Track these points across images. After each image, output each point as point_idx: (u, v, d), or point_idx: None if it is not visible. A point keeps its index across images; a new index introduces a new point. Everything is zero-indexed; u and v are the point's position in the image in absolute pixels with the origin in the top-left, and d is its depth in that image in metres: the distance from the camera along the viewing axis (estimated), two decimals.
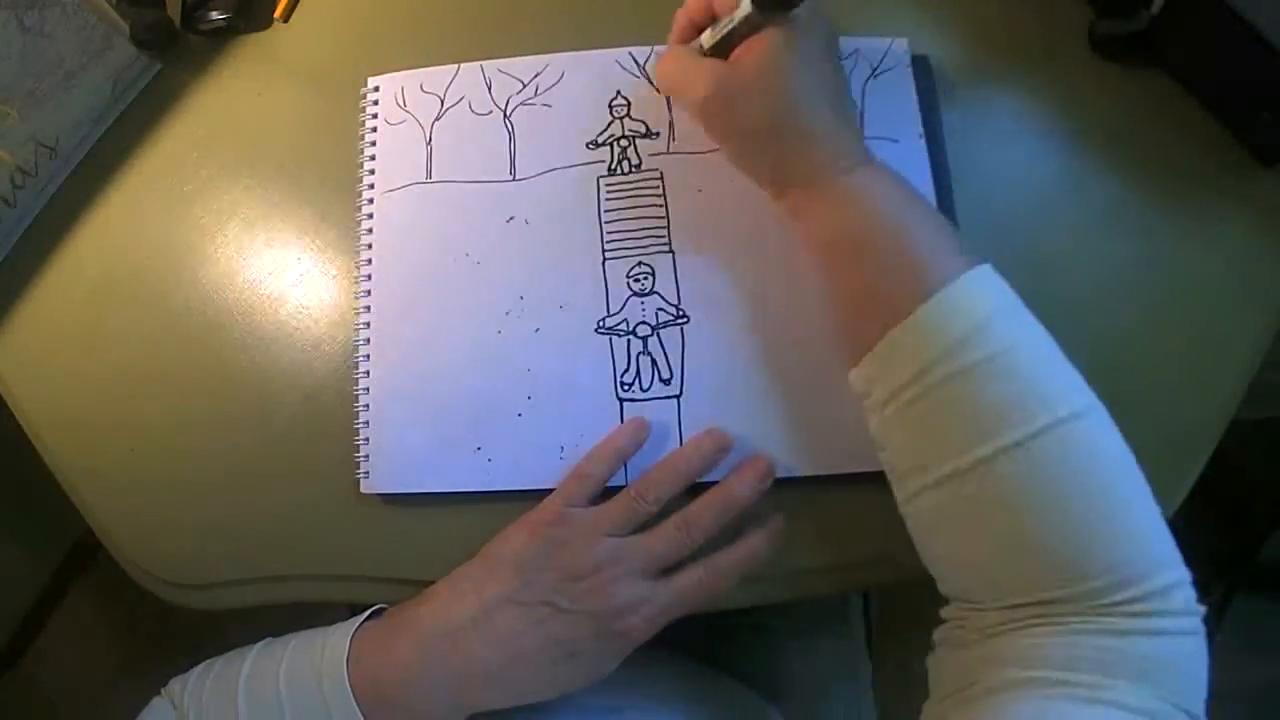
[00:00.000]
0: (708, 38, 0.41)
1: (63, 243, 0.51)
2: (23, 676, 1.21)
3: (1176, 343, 0.45)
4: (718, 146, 0.42)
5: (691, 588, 0.40)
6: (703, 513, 0.41)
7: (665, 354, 0.45)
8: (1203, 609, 0.33)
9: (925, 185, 0.46)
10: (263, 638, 0.43)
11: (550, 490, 0.43)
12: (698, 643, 0.64)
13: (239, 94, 0.53)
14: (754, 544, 0.41)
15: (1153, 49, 0.47)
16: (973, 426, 0.33)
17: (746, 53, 0.38)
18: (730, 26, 0.39)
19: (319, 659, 0.39)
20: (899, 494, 0.38)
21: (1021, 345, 0.33)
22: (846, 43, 0.47)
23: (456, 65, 0.49)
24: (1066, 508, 0.32)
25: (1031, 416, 0.32)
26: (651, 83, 0.48)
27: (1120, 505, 0.32)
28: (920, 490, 0.35)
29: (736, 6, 0.38)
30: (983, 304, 0.34)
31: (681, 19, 0.42)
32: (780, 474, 0.43)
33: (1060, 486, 0.32)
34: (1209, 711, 0.31)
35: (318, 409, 0.47)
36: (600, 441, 0.43)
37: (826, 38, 0.39)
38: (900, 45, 0.47)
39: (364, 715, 0.37)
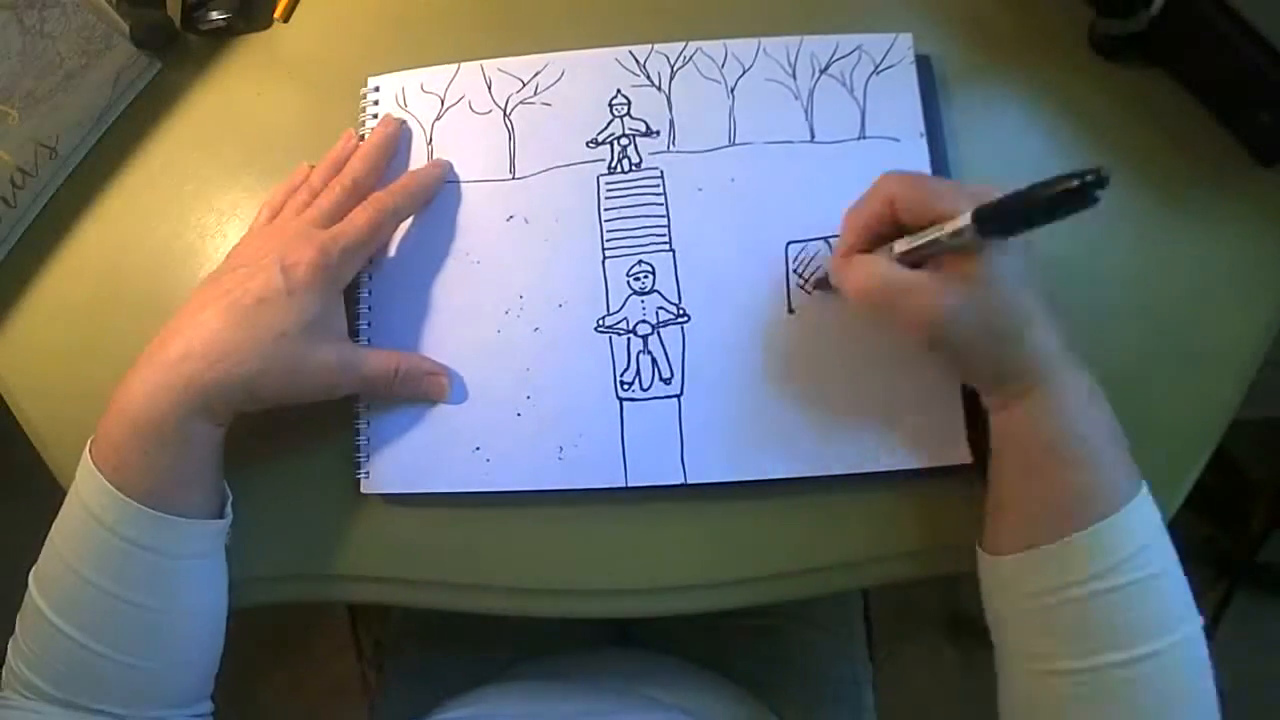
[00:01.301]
0: (903, 245, 0.38)
1: (63, 243, 0.51)
2: None
3: (1176, 342, 0.45)
4: (929, 347, 0.40)
5: (358, 215, 0.43)
6: (356, 160, 0.46)
7: (665, 353, 0.45)
8: None
9: None
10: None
11: (550, 490, 0.44)
12: (698, 644, 0.64)
13: (239, 94, 0.53)
14: (422, 170, 0.46)
15: (1153, 49, 0.47)
16: (1114, 635, 0.36)
17: (958, 263, 0.37)
18: (935, 239, 0.36)
19: (71, 491, 0.41)
20: (1007, 666, 0.39)
21: (1169, 569, 0.37)
22: (849, 39, 0.47)
23: (456, 65, 0.49)
24: (1176, 715, 0.36)
25: (1166, 632, 0.36)
26: (652, 82, 0.48)
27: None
28: (1036, 674, 0.38)
29: (939, 220, 0.36)
30: (1146, 528, 0.37)
31: (858, 226, 0.40)
32: (780, 474, 0.43)
33: (1179, 692, 0.36)
34: None
35: (318, 409, 0.47)
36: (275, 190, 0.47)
37: (1030, 249, 0.38)
38: (904, 41, 0.47)
39: (110, 479, 0.38)
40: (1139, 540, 0.36)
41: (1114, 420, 0.38)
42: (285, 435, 0.47)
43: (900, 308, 0.38)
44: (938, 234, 0.36)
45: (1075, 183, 0.30)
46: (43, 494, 0.45)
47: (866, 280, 0.39)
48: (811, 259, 0.45)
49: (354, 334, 0.47)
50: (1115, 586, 0.35)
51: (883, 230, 0.39)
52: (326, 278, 0.41)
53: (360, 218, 0.43)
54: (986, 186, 0.36)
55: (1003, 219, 0.34)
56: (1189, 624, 0.36)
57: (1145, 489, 0.37)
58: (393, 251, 0.48)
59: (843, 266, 0.40)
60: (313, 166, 0.48)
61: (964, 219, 0.34)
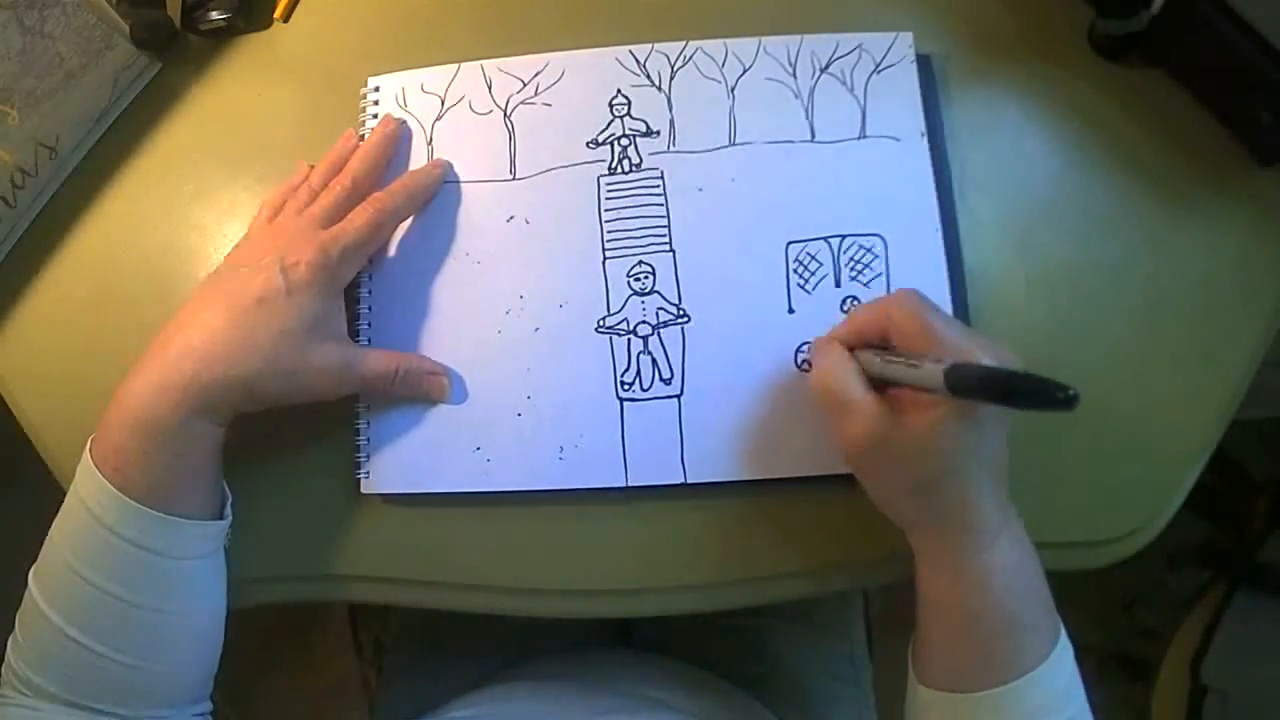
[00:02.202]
0: (878, 366, 0.37)
1: (63, 243, 0.51)
2: None
3: (1176, 342, 0.45)
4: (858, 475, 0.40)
5: (357, 216, 0.44)
6: (357, 160, 0.46)
7: (666, 353, 0.45)
8: None
9: (926, 184, 0.46)
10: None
11: (550, 490, 0.44)
12: (697, 644, 0.64)
13: (239, 94, 0.53)
14: (421, 170, 0.47)
15: (1153, 49, 0.47)
16: None
17: (918, 409, 0.36)
18: (902, 374, 0.36)
19: (71, 490, 0.41)
20: None
21: (1081, 714, 0.38)
22: (850, 38, 0.47)
23: (456, 65, 0.49)
24: None
25: None
26: (652, 82, 0.48)
27: None
28: None
29: (920, 358, 0.35)
30: (1060, 680, 0.38)
31: (852, 323, 0.40)
32: (780, 474, 0.43)
33: None
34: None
35: (318, 409, 0.47)
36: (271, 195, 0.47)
37: (1002, 415, 0.37)
38: (905, 40, 0.47)
39: (110, 479, 0.38)
40: (1053, 694, 0.37)
41: (1038, 574, 0.38)
42: (285, 435, 0.47)
43: (831, 418, 0.38)
44: (907, 373, 0.35)
45: (1060, 395, 0.30)
46: (43, 493, 0.45)
47: (821, 375, 0.39)
48: (815, 268, 0.45)
49: (354, 334, 0.47)
50: None
51: (871, 338, 0.39)
52: (326, 277, 0.42)
53: (360, 218, 0.43)
54: (983, 341, 0.35)
55: (974, 391, 0.33)
56: None
57: (1063, 638, 0.38)
58: (393, 251, 0.48)
59: (819, 351, 0.40)
60: (312, 166, 0.48)
61: (939, 371, 0.33)
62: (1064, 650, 0.38)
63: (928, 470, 0.36)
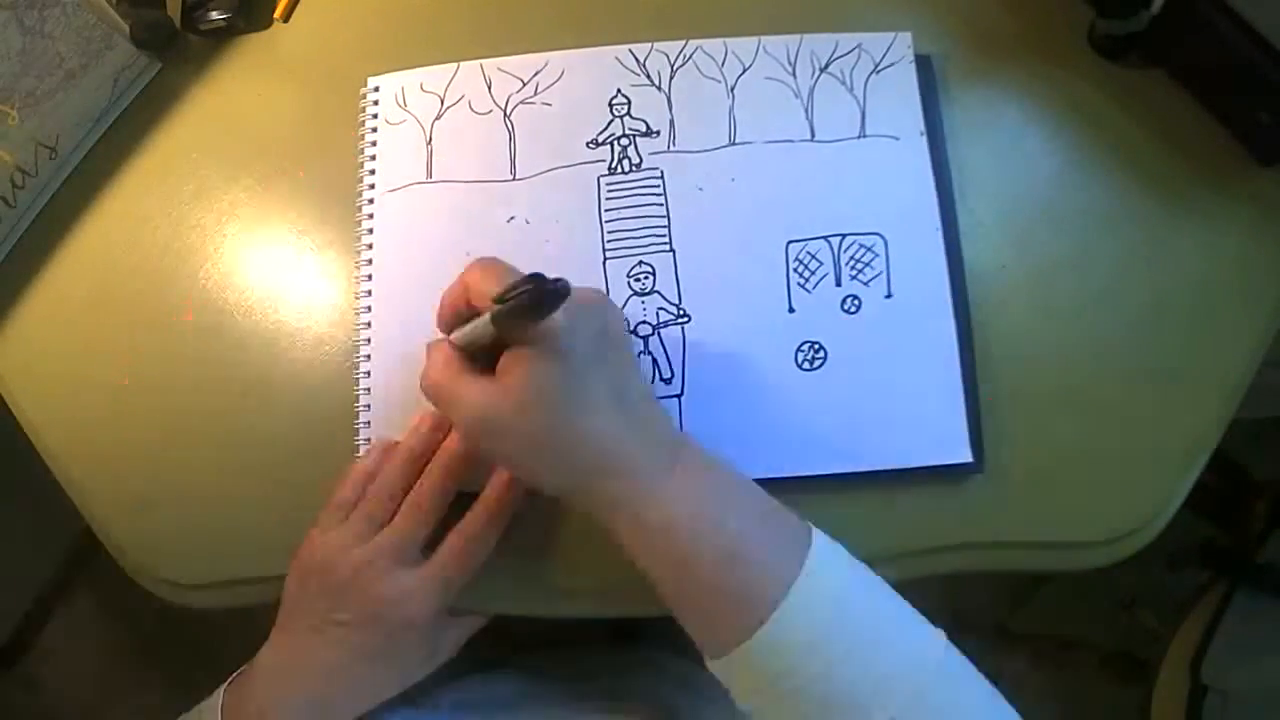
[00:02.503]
0: (459, 337, 0.37)
1: (63, 243, 0.51)
2: (23, 676, 1.21)
3: (1177, 343, 0.45)
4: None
5: (451, 554, 0.42)
6: (424, 483, 0.42)
7: (666, 353, 0.45)
8: None
9: (926, 184, 0.46)
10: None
11: None
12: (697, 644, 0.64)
13: (239, 94, 0.53)
14: (495, 490, 0.42)
15: (1153, 49, 0.47)
16: (846, 713, 0.33)
17: (506, 370, 0.35)
18: (474, 334, 0.35)
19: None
20: None
21: (859, 640, 0.33)
22: (849, 37, 0.47)
23: (456, 64, 0.49)
24: None
25: (892, 691, 0.32)
26: (652, 81, 0.48)
27: None
28: None
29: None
30: (820, 610, 0.34)
31: (445, 305, 0.39)
32: (780, 474, 0.43)
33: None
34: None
35: (318, 409, 0.47)
36: (353, 465, 0.44)
37: (598, 334, 0.36)
38: (904, 39, 0.47)
39: None
40: (816, 630, 0.33)
41: (745, 504, 0.35)
42: (285, 435, 0.47)
43: (450, 408, 0.36)
44: (476, 328, 0.35)
45: (551, 285, 0.31)
46: (42, 494, 0.45)
47: (424, 379, 0.37)
48: None
49: (354, 333, 0.47)
50: (798, 686, 0.33)
51: (464, 310, 0.38)
52: (440, 606, 0.42)
53: (460, 548, 0.42)
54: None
55: (512, 314, 0.33)
56: (918, 670, 0.33)
57: (815, 554, 0.34)
58: (393, 251, 0.48)
59: (429, 352, 0.38)
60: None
61: (488, 313, 0.33)
62: (808, 586, 0.33)
63: (536, 423, 0.34)
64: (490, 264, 0.37)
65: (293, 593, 0.42)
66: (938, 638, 0.35)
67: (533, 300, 0.32)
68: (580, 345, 0.35)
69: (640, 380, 0.37)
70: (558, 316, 0.33)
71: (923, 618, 0.36)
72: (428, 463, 0.43)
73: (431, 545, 0.42)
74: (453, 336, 0.38)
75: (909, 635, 0.35)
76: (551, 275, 0.46)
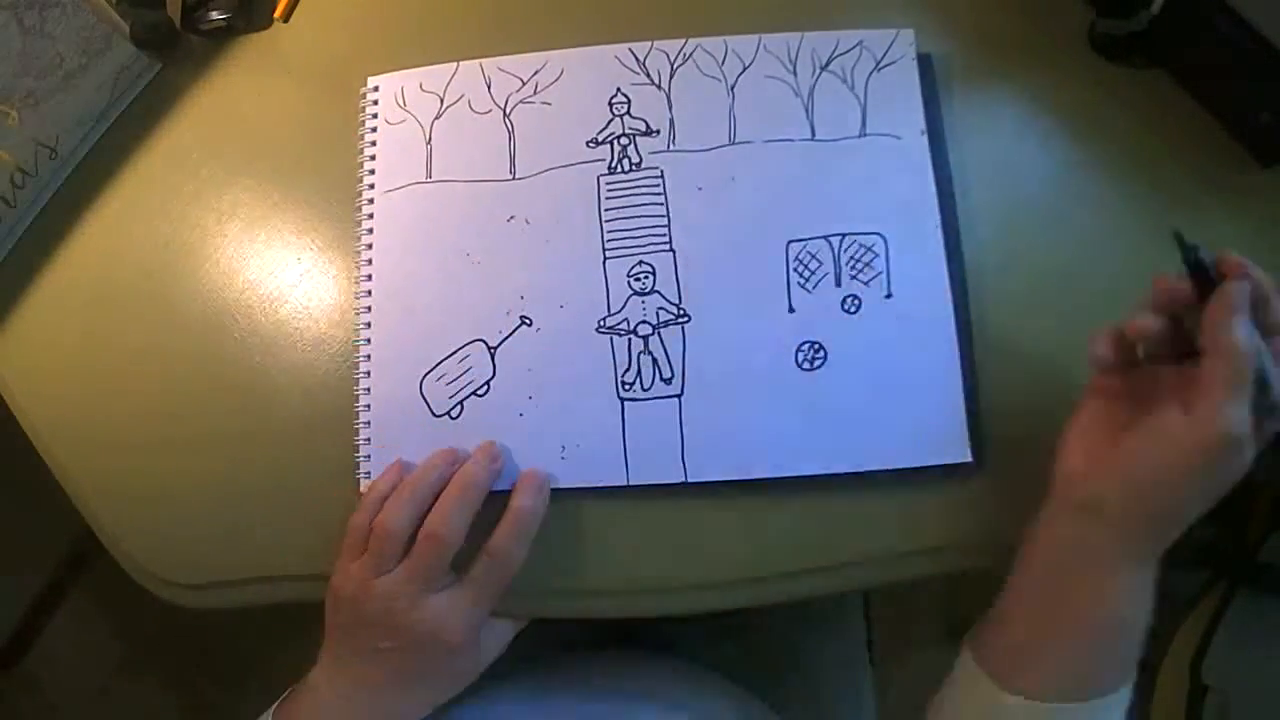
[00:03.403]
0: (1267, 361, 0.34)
1: (63, 243, 0.51)
2: (23, 676, 1.21)
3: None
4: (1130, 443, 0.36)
5: (483, 574, 0.42)
6: (441, 509, 0.42)
7: (666, 353, 0.45)
8: None
9: (926, 182, 0.46)
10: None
11: (552, 489, 0.44)
12: (697, 644, 0.64)
13: (239, 94, 0.53)
14: (519, 505, 0.42)
15: (1153, 49, 0.47)
16: None
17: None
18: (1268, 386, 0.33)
19: None
20: None
21: None
22: (850, 35, 0.47)
23: (456, 64, 0.49)
24: None
25: None
26: (651, 80, 0.48)
27: None
28: None
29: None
30: (1120, 712, 0.38)
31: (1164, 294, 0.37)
32: (780, 474, 0.43)
33: None
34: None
35: (318, 409, 0.47)
36: (366, 490, 0.45)
37: None
38: (906, 37, 0.47)
39: None
40: (1123, 710, 0.37)
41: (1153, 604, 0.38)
42: (285, 435, 0.47)
43: (1236, 397, 0.33)
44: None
45: None
46: (42, 493, 0.45)
47: (1248, 353, 0.33)
48: None
49: (355, 333, 0.47)
50: None
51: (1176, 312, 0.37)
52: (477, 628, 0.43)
53: (489, 566, 0.42)
54: None
55: None
56: None
57: (1133, 679, 0.38)
58: (393, 251, 0.48)
59: (1243, 316, 0.34)
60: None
61: None
62: (1131, 684, 0.38)
63: (1223, 482, 0.34)
64: None
65: (332, 621, 0.43)
66: None
67: None
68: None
69: None
70: None
71: None
72: (441, 490, 0.43)
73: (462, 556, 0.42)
74: (1263, 363, 0.34)
75: None
76: (550, 275, 0.46)
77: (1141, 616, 0.37)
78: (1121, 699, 0.37)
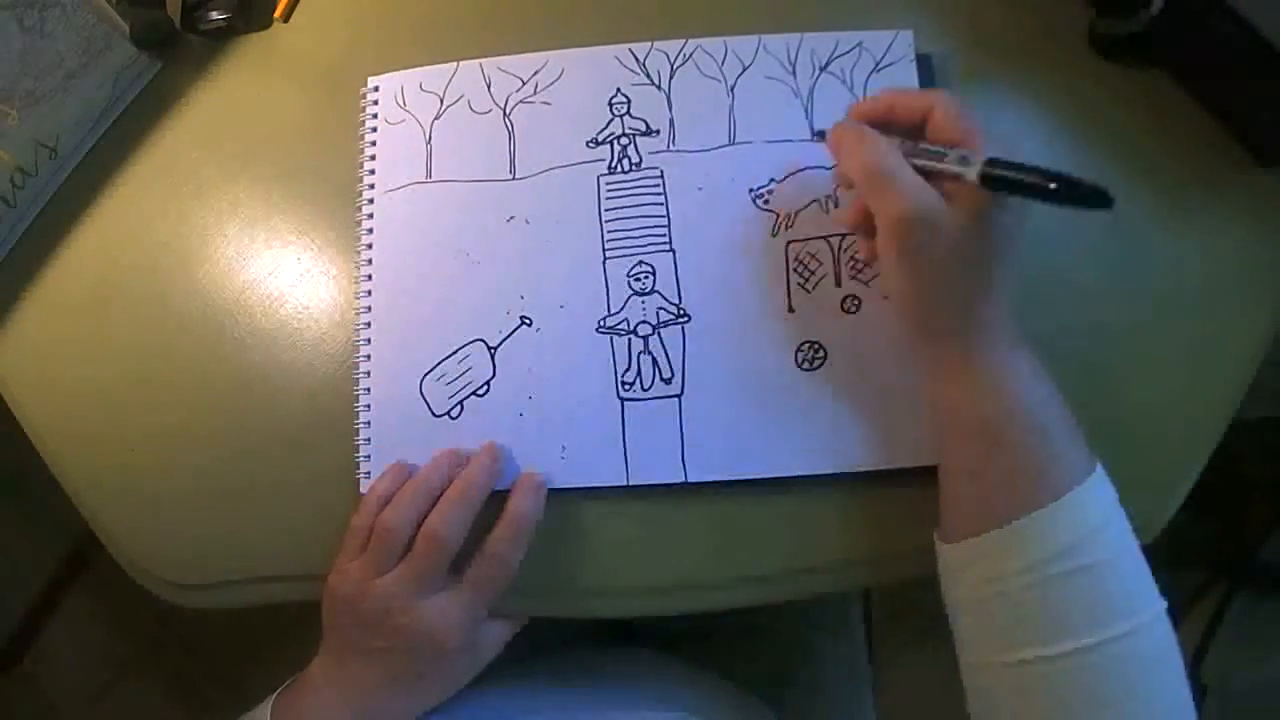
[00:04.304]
0: (912, 152, 0.37)
1: (63, 243, 0.51)
2: (23, 676, 1.21)
3: (1177, 343, 0.45)
4: (881, 264, 0.39)
5: (479, 576, 0.42)
6: (441, 510, 0.42)
7: (666, 353, 0.45)
8: None
9: None
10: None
11: (552, 489, 0.44)
12: (697, 644, 0.64)
13: (239, 94, 0.53)
14: (516, 508, 0.43)
15: (1153, 49, 0.47)
16: (1070, 621, 0.35)
17: (963, 194, 0.36)
18: (944, 154, 0.36)
19: None
20: (966, 656, 0.39)
21: (1124, 553, 0.36)
22: (850, 35, 0.47)
23: (455, 64, 0.49)
24: (1141, 702, 0.35)
25: (1125, 616, 0.35)
26: (651, 80, 0.48)
27: (1182, 703, 0.35)
28: (996, 665, 0.37)
29: (954, 146, 0.36)
30: (1099, 510, 0.36)
31: (883, 102, 0.39)
32: (780, 473, 0.43)
33: (1142, 676, 0.35)
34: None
35: (318, 409, 0.47)
36: (366, 491, 0.45)
37: (1024, 222, 0.38)
38: (905, 38, 0.47)
39: None
40: (1092, 522, 0.36)
41: (1061, 400, 0.37)
42: (285, 435, 0.47)
43: (890, 194, 0.36)
44: (949, 152, 0.36)
45: (1095, 191, 0.32)
46: (42, 494, 0.45)
47: (872, 156, 0.37)
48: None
49: (355, 333, 0.47)
50: (1069, 571, 0.35)
51: (898, 123, 0.39)
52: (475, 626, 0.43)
53: (485, 568, 0.42)
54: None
55: (1012, 183, 0.34)
56: (1149, 608, 0.35)
57: (1099, 469, 0.37)
58: (393, 252, 0.48)
59: (853, 135, 0.38)
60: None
61: (977, 162, 0.35)
62: (1099, 483, 0.36)
63: (969, 247, 0.36)
64: (965, 110, 0.37)
65: (328, 620, 0.43)
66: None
67: (1065, 192, 0.33)
68: (1018, 226, 0.37)
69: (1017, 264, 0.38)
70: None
71: None
72: (443, 492, 0.43)
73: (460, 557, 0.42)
74: (908, 152, 0.37)
75: (1148, 570, 0.37)
76: (550, 275, 0.46)
77: (1027, 409, 0.36)
78: (1080, 498, 0.36)
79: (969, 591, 0.38)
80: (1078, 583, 0.35)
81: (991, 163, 0.34)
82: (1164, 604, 0.36)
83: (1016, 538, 0.36)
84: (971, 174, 0.35)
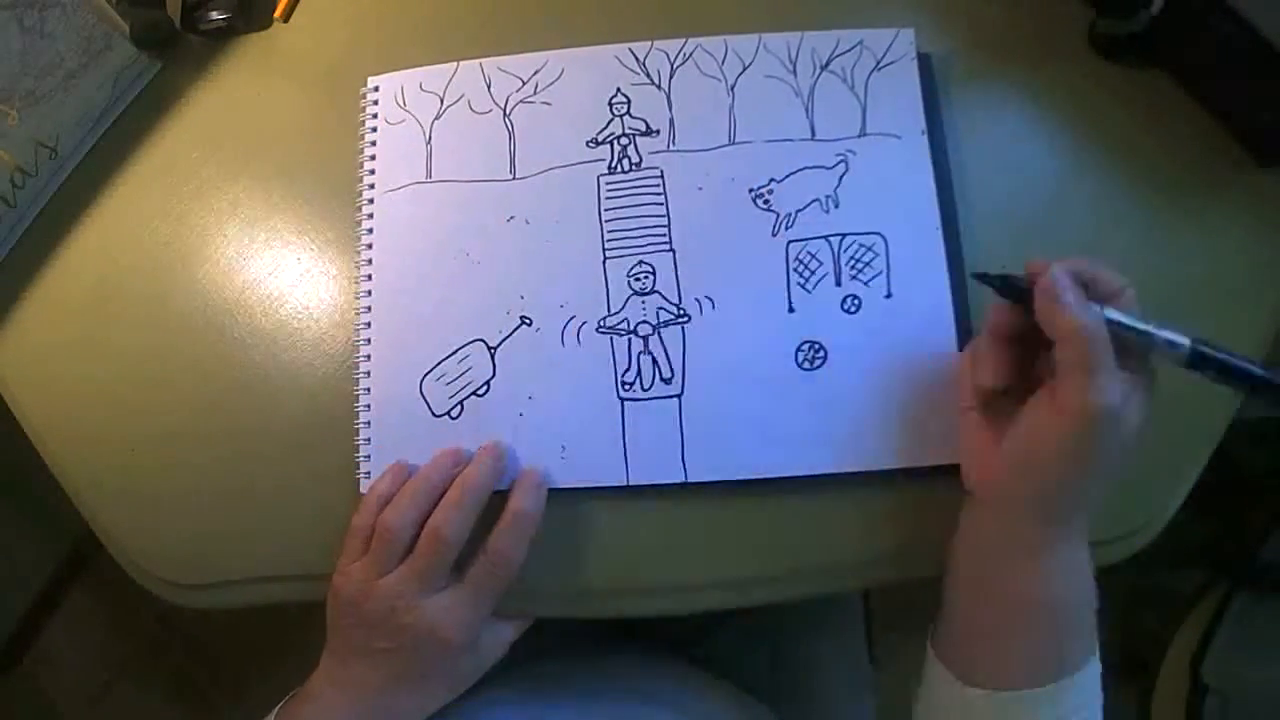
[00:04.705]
0: (1118, 316, 0.36)
1: (63, 243, 0.51)
2: (23, 676, 1.21)
3: None
4: (1026, 433, 0.37)
5: (482, 575, 0.42)
6: (443, 510, 0.42)
7: (666, 353, 0.45)
8: None
9: (926, 182, 0.46)
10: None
11: (552, 489, 0.44)
12: (697, 644, 0.64)
13: (239, 94, 0.53)
14: (517, 507, 0.42)
15: (1153, 49, 0.47)
16: None
17: (1142, 385, 0.36)
18: (1151, 333, 0.36)
19: None
20: None
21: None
22: (850, 34, 0.47)
23: (456, 63, 0.49)
24: None
25: None
26: (651, 80, 0.48)
27: None
28: None
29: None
30: (1095, 683, 0.39)
31: (1083, 273, 0.38)
32: (780, 473, 0.43)
33: None
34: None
35: (318, 409, 0.47)
36: (366, 491, 0.45)
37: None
38: (906, 37, 0.47)
39: None
40: (1089, 695, 0.38)
41: (1092, 584, 0.39)
42: (285, 435, 0.47)
43: (1098, 379, 0.34)
44: (1144, 334, 0.36)
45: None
46: (42, 494, 0.45)
47: (1090, 327, 0.35)
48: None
49: (355, 333, 0.47)
50: None
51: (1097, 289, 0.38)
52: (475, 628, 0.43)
53: (488, 567, 0.42)
54: None
55: (1219, 370, 0.35)
56: None
57: (1096, 653, 0.39)
58: (393, 252, 0.48)
59: (1073, 296, 0.36)
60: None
61: (1185, 341, 0.35)
62: (1096, 658, 0.39)
63: (1129, 444, 0.36)
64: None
65: (332, 622, 0.43)
66: None
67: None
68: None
69: None
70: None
71: None
72: (444, 492, 0.43)
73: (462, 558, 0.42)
74: (1112, 317, 0.36)
75: None
76: (550, 275, 0.46)
77: (1078, 594, 0.38)
78: (1085, 678, 0.38)
79: (944, 705, 0.40)
80: None
81: (1201, 342, 0.35)
82: None
83: (1037, 702, 0.37)
84: (1178, 354, 0.35)
